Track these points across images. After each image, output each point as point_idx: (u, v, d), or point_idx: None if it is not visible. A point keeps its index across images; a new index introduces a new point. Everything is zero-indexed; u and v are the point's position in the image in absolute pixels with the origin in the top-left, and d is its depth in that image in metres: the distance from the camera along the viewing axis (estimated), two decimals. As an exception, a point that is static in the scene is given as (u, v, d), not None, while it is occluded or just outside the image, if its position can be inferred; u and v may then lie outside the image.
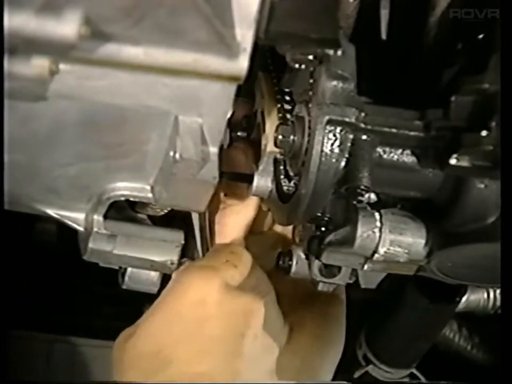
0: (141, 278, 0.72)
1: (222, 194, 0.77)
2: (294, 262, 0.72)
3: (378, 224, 0.60)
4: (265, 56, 0.72)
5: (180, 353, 0.61)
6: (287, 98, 0.71)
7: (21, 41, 0.48)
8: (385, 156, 0.60)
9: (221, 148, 0.64)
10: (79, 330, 1.31)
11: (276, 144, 0.66)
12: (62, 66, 0.53)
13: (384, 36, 0.63)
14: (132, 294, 0.74)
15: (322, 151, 0.58)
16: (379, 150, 0.60)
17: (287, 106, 0.70)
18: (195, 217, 0.75)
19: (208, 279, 0.65)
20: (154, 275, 0.72)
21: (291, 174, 0.68)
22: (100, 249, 0.67)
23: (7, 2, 0.45)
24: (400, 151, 0.60)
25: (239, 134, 0.75)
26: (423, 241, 0.60)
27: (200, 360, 0.61)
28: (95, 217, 0.65)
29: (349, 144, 0.58)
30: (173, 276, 0.71)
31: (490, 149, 0.52)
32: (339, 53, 0.58)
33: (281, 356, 0.70)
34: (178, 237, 0.70)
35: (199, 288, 0.64)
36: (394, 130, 0.59)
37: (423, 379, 1.14)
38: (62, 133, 0.59)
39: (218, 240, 0.76)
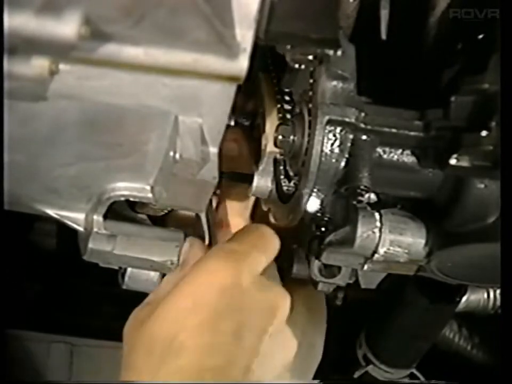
0: (141, 278, 0.72)
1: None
2: (294, 262, 0.72)
3: (378, 224, 0.60)
4: (265, 56, 0.72)
5: (191, 343, 0.56)
6: (287, 98, 0.71)
7: (21, 41, 0.47)
8: (385, 156, 0.60)
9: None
10: (79, 330, 1.31)
11: (275, 144, 0.66)
12: (62, 66, 0.53)
13: (384, 36, 0.63)
14: (132, 294, 0.74)
15: (322, 151, 0.58)
16: (379, 150, 0.60)
17: (287, 106, 0.70)
18: (202, 215, 0.74)
19: (237, 266, 0.59)
20: (154, 275, 0.72)
21: (291, 174, 0.68)
22: (100, 249, 0.67)
23: (7, 2, 0.45)
24: (400, 151, 0.60)
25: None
26: (423, 241, 0.60)
27: (212, 354, 0.56)
28: (95, 217, 0.65)
29: (349, 144, 0.58)
30: (189, 257, 0.66)
31: (490, 149, 0.52)
32: (339, 53, 0.58)
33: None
34: (178, 237, 0.70)
35: (227, 275, 0.59)
36: (394, 130, 0.59)
37: (423, 379, 1.14)
38: (62, 133, 0.59)
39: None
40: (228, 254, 0.62)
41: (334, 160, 0.58)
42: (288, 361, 0.66)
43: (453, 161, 0.54)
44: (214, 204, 0.78)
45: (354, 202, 0.59)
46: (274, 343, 0.62)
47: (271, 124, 0.70)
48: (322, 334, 0.81)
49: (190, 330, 0.57)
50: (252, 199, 0.78)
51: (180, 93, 0.57)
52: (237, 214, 0.77)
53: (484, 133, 0.51)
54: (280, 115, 0.70)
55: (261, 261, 0.63)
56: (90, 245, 0.66)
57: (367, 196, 0.59)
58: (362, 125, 0.58)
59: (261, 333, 0.60)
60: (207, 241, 0.74)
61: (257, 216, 0.81)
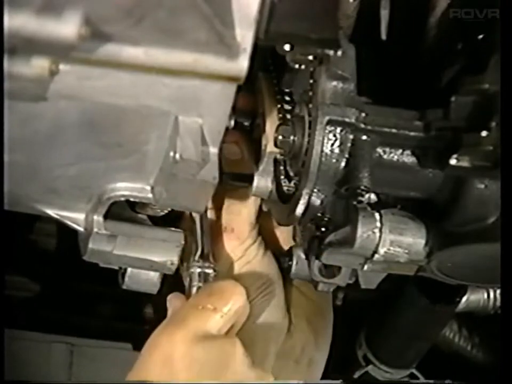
0: (141, 278, 0.72)
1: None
2: (294, 263, 0.72)
3: (378, 224, 0.60)
4: (265, 56, 0.72)
5: None
6: (287, 98, 0.71)
7: (21, 41, 0.47)
8: (385, 156, 0.60)
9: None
10: (79, 330, 1.31)
11: (276, 144, 0.66)
12: (62, 66, 0.53)
13: (384, 36, 0.63)
14: (132, 294, 0.74)
15: (322, 151, 0.58)
16: (379, 150, 0.60)
17: (287, 106, 0.70)
18: (196, 217, 0.74)
19: (172, 335, 0.65)
20: (154, 275, 0.72)
21: (291, 174, 0.68)
22: (100, 249, 0.67)
23: (7, 2, 0.45)
24: (400, 151, 0.60)
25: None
26: (423, 241, 0.60)
27: None
28: (95, 217, 0.65)
29: (349, 145, 0.58)
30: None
31: (490, 149, 0.52)
32: (339, 53, 0.58)
33: (283, 344, 0.77)
34: (178, 237, 0.70)
35: (164, 346, 0.65)
36: (394, 130, 0.59)
37: (423, 379, 1.14)
38: (62, 133, 0.59)
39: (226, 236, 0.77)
40: (164, 326, 0.67)
41: (334, 160, 0.58)
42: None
43: (453, 161, 0.54)
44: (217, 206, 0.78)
45: (355, 202, 0.59)
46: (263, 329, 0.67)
47: (271, 124, 0.70)
48: (324, 351, 0.84)
49: None
50: (258, 200, 0.78)
51: (180, 93, 0.57)
52: (242, 218, 0.77)
53: (484, 133, 0.51)
54: (280, 115, 0.70)
55: (208, 319, 0.67)
56: (90, 245, 0.66)
57: (367, 196, 0.59)
58: (362, 125, 0.58)
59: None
60: (200, 246, 0.74)
61: (260, 217, 0.80)
